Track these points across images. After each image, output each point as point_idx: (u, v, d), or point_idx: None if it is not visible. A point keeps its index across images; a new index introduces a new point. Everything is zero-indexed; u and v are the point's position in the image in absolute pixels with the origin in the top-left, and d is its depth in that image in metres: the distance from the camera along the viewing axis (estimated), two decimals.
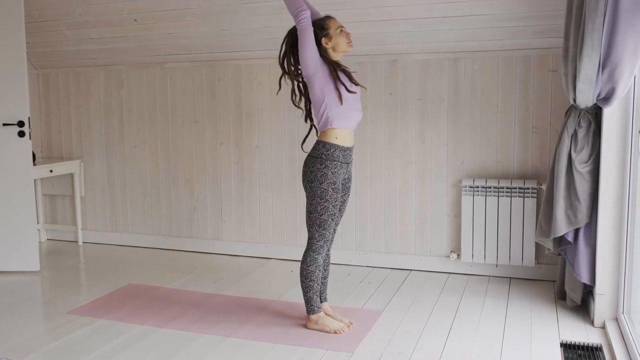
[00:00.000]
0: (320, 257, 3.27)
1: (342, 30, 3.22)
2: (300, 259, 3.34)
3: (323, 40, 3.17)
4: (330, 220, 3.22)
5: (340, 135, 3.19)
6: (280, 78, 3.31)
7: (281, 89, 3.37)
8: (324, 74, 3.14)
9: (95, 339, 3.26)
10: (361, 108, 3.29)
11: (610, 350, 3.00)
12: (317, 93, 3.14)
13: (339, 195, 3.22)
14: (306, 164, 3.23)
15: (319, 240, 3.24)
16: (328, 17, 3.24)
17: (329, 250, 3.43)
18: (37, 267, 4.50)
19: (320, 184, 3.16)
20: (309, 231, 3.26)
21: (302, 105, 3.35)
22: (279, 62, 3.27)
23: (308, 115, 3.37)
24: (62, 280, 4.38)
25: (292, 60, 3.24)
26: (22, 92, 4.38)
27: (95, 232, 5.42)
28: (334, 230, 3.35)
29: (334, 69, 3.17)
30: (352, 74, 3.25)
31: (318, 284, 3.30)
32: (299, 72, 3.25)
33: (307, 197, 3.23)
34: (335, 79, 3.14)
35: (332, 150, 3.17)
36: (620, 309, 3.26)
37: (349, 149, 3.24)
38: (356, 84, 3.23)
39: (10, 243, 4.46)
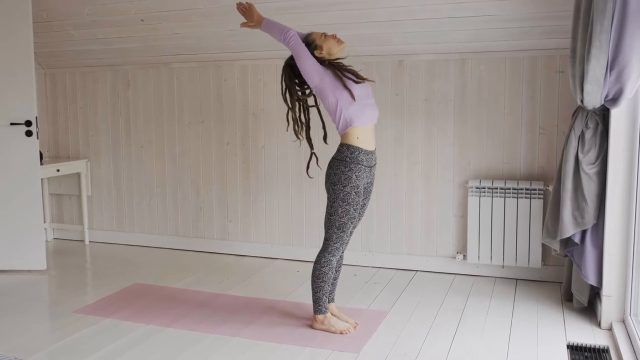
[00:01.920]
0: (334, 259, 3.27)
1: (325, 35, 3.27)
2: (308, 258, 3.34)
3: (316, 52, 3.23)
4: (349, 223, 3.22)
5: (361, 135, 3.19)
6: (287, 114, 3.34)
7: (290, 124, 3.37)
8: (330, 78, 3.17)
9: (101, 339, 3.27)
10: (375, 103, 3.30)
11: (617, 352, 2.99)
12: (330, 98, 3.16)
13: (360, 199, 3.22)
14: (330, 166, 3.23)
15: (336, 242, 3.25)
16: (308, 34, 3.31)
17: (343, 252, 3.43)
18: (43, 266, 4.52)
19: (344, 187, 3.16)
20: (326, 232, 3.26)
21: (304, 134, 3.38)
22: (283, 98, 3.33)
23: (309, 142, 3.39)
24: (68, 280, 4.39)
25: (295, 88, 3.31)
26: (29, 92, 4.40)
27: (101, 232, 5.43)
28: (351, 233, 3.36)
29: (338, 69, 3.21)
30: (357, 71, 3.29)
31: (329, 285, 3.30)
32: (306, 92, 3.32)
33: (328, 198, 3.23)
34: (342, 78, 3.17)
35: (357, 153, 3.17)
36: (628, 311, 3.24)
37: (372, 152, 3.25)
38: (363, 78, 3.24)
39: (17, 242, 4.48)
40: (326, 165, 3.26)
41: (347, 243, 3.36)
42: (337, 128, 3.22)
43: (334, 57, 3.26)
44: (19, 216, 4.46)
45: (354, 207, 3.20)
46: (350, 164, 3.16)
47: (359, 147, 3.18)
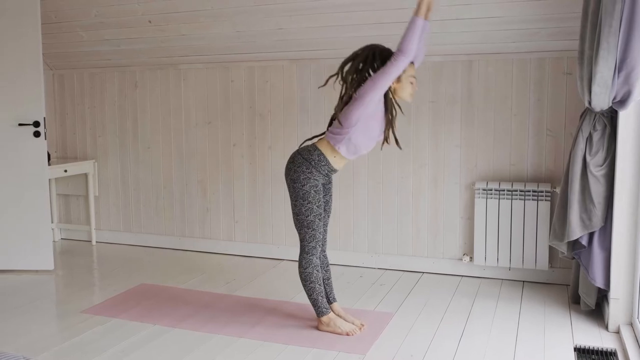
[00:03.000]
0: (315, 258, 3.29)
1: (413, 81, 3.20)
2: None
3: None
4: (317, 220, 3.25)
5: (338, 157, 3.25)
6: (331, 77, 3.21)
7: (326, 85, 3.25)
8: (376, 110, 3.13)
9: (108, 338, 3.28)
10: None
11: (624, 355, 2.97)
12: (355, 115, 3.10)
13: (320, 196, 3.26)
14: (293, 161, 3.26)
15: (311, 242, 3.27)
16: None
17: (324, 251, 3.47)
18: (51, 266, 4.54)
19: (303, 186, 3.21)
20: (299, 234, 3.30)
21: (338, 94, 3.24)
22: (341, 64, 3.20)
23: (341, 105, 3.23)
24: (75, 280, 4.41)
25: (355, 72, 3.16)
26: (37, 93, 4.42)
27: (108, 232, 5.45)
28: (325, 230, 3.40)
29: (390, 112, 3.18)
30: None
31: (319, 285, 3.31)
32: (353, 82, 3.16)
33: (290, 197, 3.28)
34: (384, 121, 3.18)
35: (323, 163, 3.22)
36: (635, 314, 3.23)
37: (336, 171, 3.32)
38: (386, 140, 3.24)
39: (25, 242, 4.50)
40: (298, 156, 3.26)
41: (323, 241, 3.41)
42: (328, 133, 3.23)
43: (395, 97, 3.20)
44: (26, 216, 4.48)
45: (317, 205, 3.23)
46: (312, 167, 3.21)
47: (329, 161, 3.23)
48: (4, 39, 4.36)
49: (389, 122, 3.21)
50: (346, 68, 3.18)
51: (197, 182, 5.09)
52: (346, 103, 3.18)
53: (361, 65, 3.15)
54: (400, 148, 3.31)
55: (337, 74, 3.20)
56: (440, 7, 3.92)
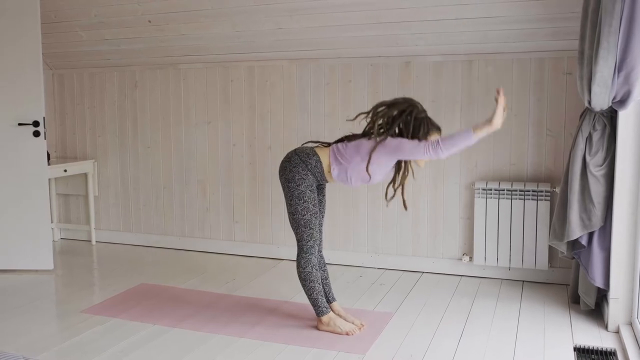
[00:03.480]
0: (313, 257, 3.30)
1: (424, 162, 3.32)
2: None
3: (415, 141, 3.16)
4: (313, 219, 3.26)
5: (330, 175, 3.29)
6: (361, 114, 3.29)
7: (354, 120, 3.32)
8: (385, 164, 3.20)
9: (108, 338, 3.28)
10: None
11: (624, 355, 2.97)
12: (361, 157, 3.17)
13: (315, 195, 3.28)
14: (289, 160, 3.28)
15: (309, 241, 3.28)
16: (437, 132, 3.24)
17: (320, 251, 3.48)
18: (50, 266, 4.54)
19: (298, 186, 3.23)
20: (296, 234, 3.30)
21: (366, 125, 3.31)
22: (377, 105, 3.24)
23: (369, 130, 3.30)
24: (75, 279, 4.41)
25: (388, 118, 3.20)
26: (37, 93, 4.42)
27: (108, 232, 5.45)
28: (320, 230, 3.40)
29: (403, 174, 3.25)
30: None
31: (319, 284, 3.32)
32: (380, 128, 3.21)
33: (285, 197, 3.29)
34: (391, 172, 3.25)
35: (319, 170, 3.26)
36: (635, 314, 3.23)
37: (327, 182, 3.35)
38: (386, 196, 3.31)
39: (25, 242, 4.50)
40: (296, 156, 3.28)
41: (320, 240, 3.42)
42: (334, 147, 3.26)
43: (410, 161, 3.27)
44: (26, 216, 4.48)
45: (312, 204, 3.24)
46: (307, 170, 3.24)
47: (323, 170, 3.26)
48: (4, 39, 4.36)
49: (395, 181, 3.28)
50: (379, 110, 3.22)
51: (197, 182, 5.09)
52: (364, 135, 3.28)
53: (395, 113, 3.19)
54: (405, 209, 3.37)
55: (368, 112, 3.26)
56: (440, 7, 3.93)
